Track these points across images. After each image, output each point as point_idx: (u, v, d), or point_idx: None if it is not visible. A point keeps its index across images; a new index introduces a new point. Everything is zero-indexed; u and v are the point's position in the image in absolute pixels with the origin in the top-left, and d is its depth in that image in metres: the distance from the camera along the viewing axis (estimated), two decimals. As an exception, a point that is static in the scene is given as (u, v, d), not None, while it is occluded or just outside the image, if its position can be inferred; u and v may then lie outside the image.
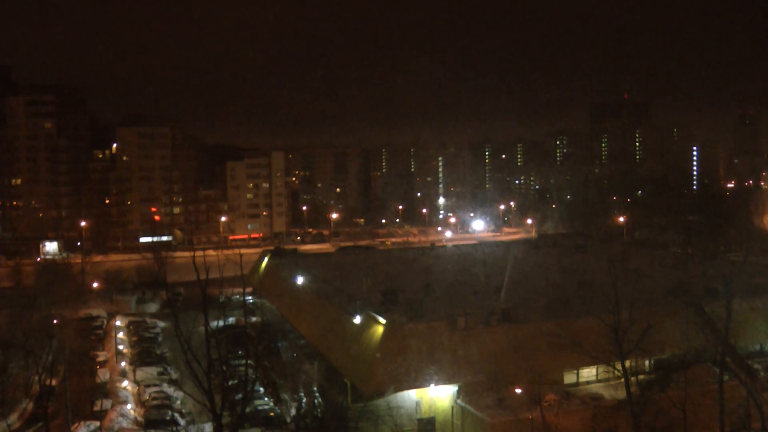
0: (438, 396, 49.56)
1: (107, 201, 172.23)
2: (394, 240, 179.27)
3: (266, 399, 57.24)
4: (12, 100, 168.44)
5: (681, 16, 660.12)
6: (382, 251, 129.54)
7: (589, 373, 52.12)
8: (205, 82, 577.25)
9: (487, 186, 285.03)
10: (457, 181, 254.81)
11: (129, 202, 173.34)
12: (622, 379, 43.98)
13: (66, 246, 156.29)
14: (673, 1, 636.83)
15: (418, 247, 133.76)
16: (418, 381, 48.54)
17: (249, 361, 41.27)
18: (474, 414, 46.66)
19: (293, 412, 52.38)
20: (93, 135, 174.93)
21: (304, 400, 53.17)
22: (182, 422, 51.19)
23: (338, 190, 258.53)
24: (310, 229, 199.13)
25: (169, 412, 52.79)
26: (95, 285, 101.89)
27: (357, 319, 54.98)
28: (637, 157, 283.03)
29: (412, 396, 49.49)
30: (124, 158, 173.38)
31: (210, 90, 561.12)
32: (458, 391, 48.82)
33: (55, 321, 69.78)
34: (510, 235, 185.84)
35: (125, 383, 64.29)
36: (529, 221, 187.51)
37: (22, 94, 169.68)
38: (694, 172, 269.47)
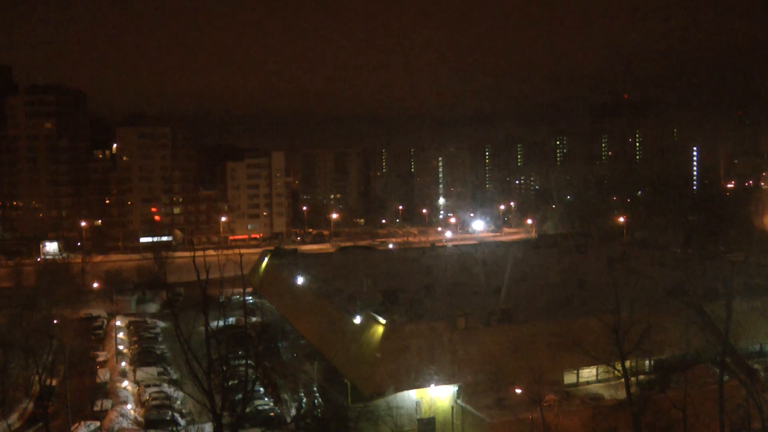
0: (438, 396, 49.56)
1: (107, 201, 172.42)
2: (394, 240, 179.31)
3: (266, 399, 57.24)
4: (12, 100, 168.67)
5: (681, 16, 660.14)
6: (382, 251, 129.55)
7: (589, 373, 52.09)
8: (205, 82, 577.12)
9: (487, 186, 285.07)
10: (457, 181, 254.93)
11: (129, 203, 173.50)
12: (622, 379, 43.94)
13: (66, 246, 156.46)
14: (674, 2, 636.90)
15: (418, 247, 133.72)
16: (418, 381, 48.52)
17: (249, 361, 41.23)
18: (474, 414, 46.66)
19: (293, 412, 52.37)
20: (93, 135, 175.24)
21: (304, 400, 53.18)
22: (182, 422, 51.17)
23: (338, 190, 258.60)
24: (310, 230, 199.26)
25: (169, 412, 52.76)
26: (95, 285, 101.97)
27: (357, 319, 54.98)
28: (637, 157, 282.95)
29: (412, 396, 49.49)
30: (124, 158, 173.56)
31: (210, 90, 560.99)
32: (458, 391, 48.80)
33: (55, 321, 69.85)
34: (510, 235, 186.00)
35: (125, 383, 64.28)
36: (529, 221, 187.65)
37: (22, 94, 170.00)
38: (694, 172, 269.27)
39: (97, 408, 56.63)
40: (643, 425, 42.56)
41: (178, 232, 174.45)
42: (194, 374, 35.78)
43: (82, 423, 53.02)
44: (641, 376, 48.19)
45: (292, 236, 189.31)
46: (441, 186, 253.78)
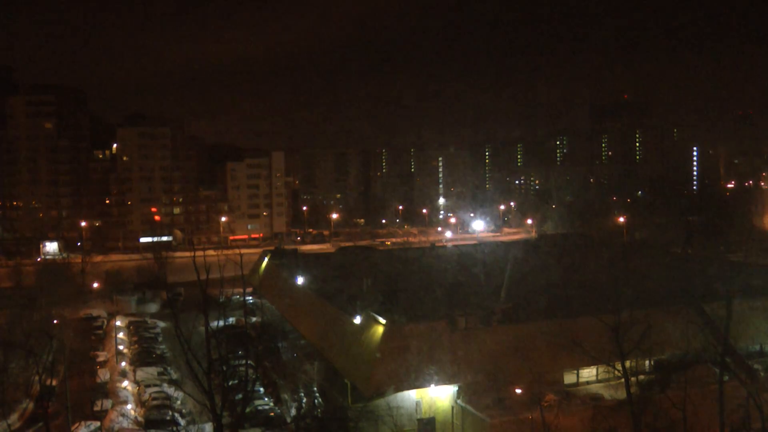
0: (438, 396, 49.57)
1: (107, 201, 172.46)
2: (394, 240, 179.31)
3: (266, 399, 57.26)
4: (12, 100, 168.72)
5: (681, 16, 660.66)
6: (382, 251, 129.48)
7: (589, 373, 52.10)
8: (205, 82, 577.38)
9: (487, 186, 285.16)
10: (457, 181, 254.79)
11: (129, 202, 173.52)
12: (622, 379, 43.98)
13: (66, 246, 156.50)
14: (674, 2, 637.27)
15: (418, 247, 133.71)
16: (418, 381, 48.53)
17: (249, 361, 41.25)
18: (474, 414, 46.67)
19: (293, 412, 52.36)
20: (93, 135, 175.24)
21: (304, 400, 53.15)
22: (182, 422, 51.21)
23: (338, 190, 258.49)
24: (311, 230, 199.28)
25: (169, 412, 52.80)
26: (95, 285, 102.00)
27: (357, 319, 54.97)
28: (637, 157, 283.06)
29: (412, 396, 49.49)
30: (125, 158, 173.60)
31: (210, 90, 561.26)
32: (458, 391, 48.82)
33: (55, 321, 69.89)
34: (510, 235, 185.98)
35: (125, 383, 64.33)
36: (529, 221, 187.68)
37: (22, 94, 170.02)
38: (694, 172, 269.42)
39: (97, 408, 56.70)
40: (643, 425, 42.60)
41: (178, 232, 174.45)
42: (194, 374, 35.82)
43: (82, 423, 53.06)
44: (641, 376, 48.23)
45: (292, 236, 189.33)
46: (441, 186, 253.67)
